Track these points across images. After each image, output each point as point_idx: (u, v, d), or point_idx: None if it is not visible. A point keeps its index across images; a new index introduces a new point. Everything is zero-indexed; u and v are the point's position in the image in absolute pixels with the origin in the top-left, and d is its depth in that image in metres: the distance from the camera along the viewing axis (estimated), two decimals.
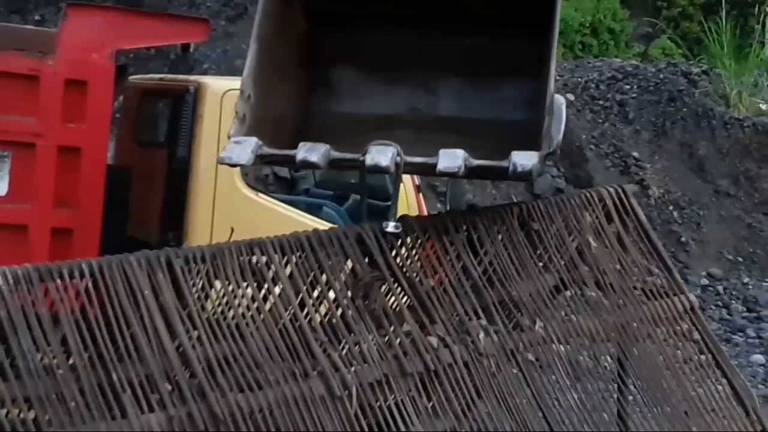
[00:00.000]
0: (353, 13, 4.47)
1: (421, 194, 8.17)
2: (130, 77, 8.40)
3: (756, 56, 17.40)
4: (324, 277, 3.80)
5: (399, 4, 4.45)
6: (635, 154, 14.37)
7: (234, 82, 8.77)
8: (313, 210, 8.01)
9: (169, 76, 9.37)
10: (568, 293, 4.43)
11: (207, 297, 3.62)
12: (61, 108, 6.79)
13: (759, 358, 10.89)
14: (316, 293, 3.79)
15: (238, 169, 7.72)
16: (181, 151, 7.55)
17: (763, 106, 16.44)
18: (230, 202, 7.15)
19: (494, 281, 4.20)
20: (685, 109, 15.38)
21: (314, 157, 3.83)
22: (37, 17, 13.30)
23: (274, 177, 8.48)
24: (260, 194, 7.73)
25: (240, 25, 14.89)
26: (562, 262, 4.43)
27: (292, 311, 3.70)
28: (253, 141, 3.89)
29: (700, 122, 15.16)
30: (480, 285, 4.15)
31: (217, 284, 3.65)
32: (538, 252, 4.39)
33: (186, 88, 7.83)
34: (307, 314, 3.73)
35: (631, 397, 4.45)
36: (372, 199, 8.21)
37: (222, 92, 7.75)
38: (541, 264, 4.36)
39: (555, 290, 4.39)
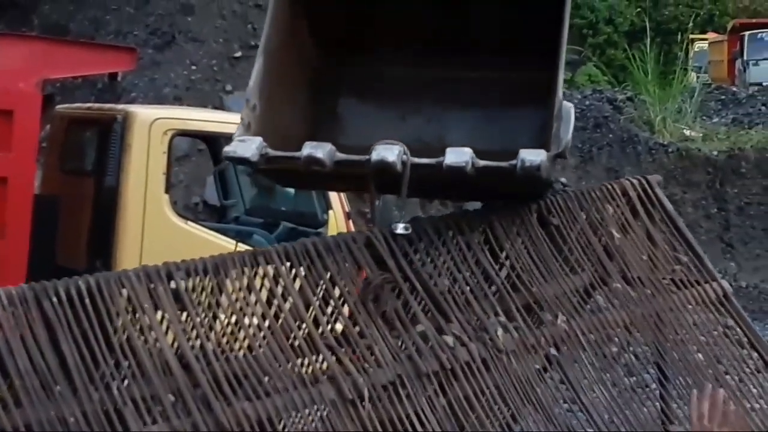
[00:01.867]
0: (363, 43, 4.77)
1: (351, 221, 8.58)
2: (57, 106, 8.74)
3: (679, 83, 19.25)
4: (332, 282, 4.03)
5: (411, 35, 4.72)
6: (563, 179, 15.10)
7: (162, 111, 9.17)
8: (243, 237, 8.36)
9: (97, 105, 9.70)
10: (590, 282, 4.65)
11: (212, 311, 3.88)
12: None
13: None
14: (324, 298, 4.03)
15: (167, 197, 8.11)
16: (109, 180, 7.88)
17: (687, 132, 17.77)
18: (159, 230, 7.49)
19: (514, 280, 4.42)
20: (610, 135, 16.98)
21: (320, 153, 4.03)
22: None
23: (204, 205, 8.83)
24: (189, 222, 8.07)
25: (167, 54, 15.26)
26: (585, 256, 4.66)
27: (301, 319, 3.92)
28: (258, 140, 4.10)
29: (625, 148, 16.69)
30: (499, 283, 4.37)
31: (224, 298, 3.88)
32: (560, 248, 4.60)
33: (114, 117, 8.18)
34: (317, 321, 3.97)
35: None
36: (301, 226, 8.63)
37: (150, 121, 8.13)
38: (563, 258, 4.59)
39: (577, 280, 4.62)
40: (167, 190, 8.21)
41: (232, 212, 9.01)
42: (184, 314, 3.79)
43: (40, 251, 7.43)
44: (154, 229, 7.67)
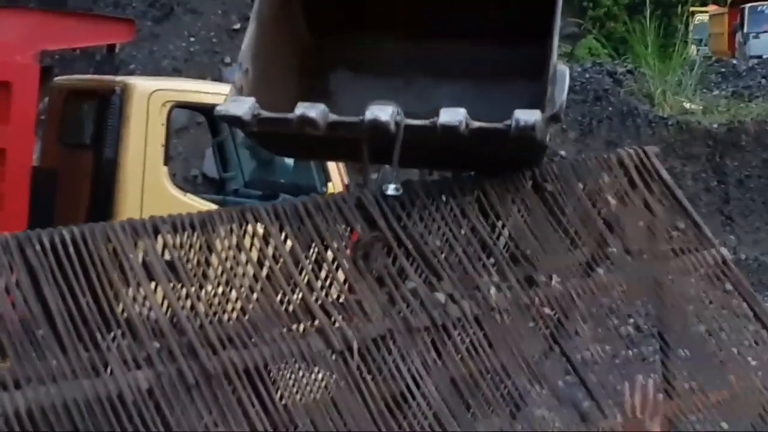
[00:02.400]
0: (354, 19, 4.70)
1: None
2: (55, 78, 8.71)
3: (680, 55, 18.96)
4: (322, 240, 4.02)
5: (401, 11, 4.68)
6: (562, 152, 15.21)
7: (161, 83, 9.11)
8: None
9: (95, 77, 9.66)
10: (588, 251, 4.67)
11: (201, 269, 3.85)
12: None
13: None
14: (314, 257, 4.03)
15: (166, 169, 8.07)
16: (107, 152, 7.84)
17: (687, 105, 17.53)
18: (158, 203, 7.41)
19: (508, 243, 4.45)
20: (610, 108, 16.71)
21: (313, 113, 4.02)
22: None
23: (203, 177, 8.81)
24: (188, 194, 8.03)
25: (166, 26, 15.23)
26: (581, 223, 4.67)
27: (290, 275, 3.92)
28: (251, 100, 4.09)
29: (625, 121, 16.43)
30: (491, 245, 4.37)
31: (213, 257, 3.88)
32: (554, 214, 4.60)
33: (112, 88, 8.13)
34: (306, 277, 3.96)
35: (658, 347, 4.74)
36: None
37: (149, 93, 8.08)
38: (557, 223, 4.59)
39: (572, 246, 4.61)
40: (166, 163, 8.19)
41: (231, 185, 8.96)
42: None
43: (38, 224, 7.40)
44: (153, 201, 7.62)
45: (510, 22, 4.58)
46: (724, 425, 4.54)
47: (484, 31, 4.69)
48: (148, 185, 7.90)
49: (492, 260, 4.35)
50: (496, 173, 4.59)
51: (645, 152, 5.11)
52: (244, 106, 4.12)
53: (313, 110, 4.10)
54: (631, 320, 4.88)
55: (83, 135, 8.68)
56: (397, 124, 4.07)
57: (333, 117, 4.14)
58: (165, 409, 3.38)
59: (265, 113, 4.15)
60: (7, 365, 3.25)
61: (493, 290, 4.21)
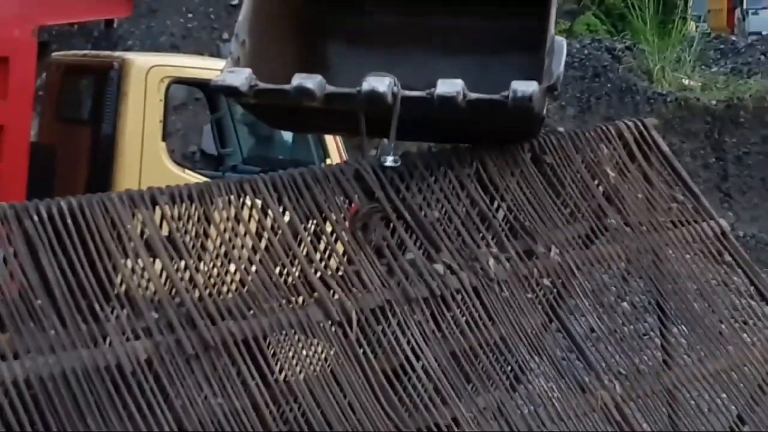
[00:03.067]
0: None
1: None
2: (53, 54, 8.70)
3: (679, 32, 18.94)
4: (321, 212, 4.03)
5: None
6: (561, 129, 15.35)
7: (159, 58, 9.09)
8: None
9: (93, 52, 9.67)
10: (587, 223, 4.66)
11: (200, 240, 3.87)
12: None
13: None
14: (312, 228, 4.04)
15: (164, 145, 8.06)
16: (105, 128, 7.85)
17: (686, 81, 17.57)
18: (156, 179, 7.35)
19: (507, 215, 4.45)
20: (609, 85, 16.78)
21: (310, 84, 4.01)
22: None
23: (201, 154, 8.80)
24: (187, 170, 8.03)
25: (164, 1, 15.20)
26: (581, 195, 4.67)
27: (289, 247, 3.93)
28: (247, 71, 4.08)
29: (623, 98, 16.48)
30: (491, 217, 4.38)
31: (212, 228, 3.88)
32: (554, 186, 4.61)
33: (110, 64, 8.12)
34: (305, 249, 3.97)
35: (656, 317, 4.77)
36: None
37: (147, 68, 8.07)
38: (556, 195, 4.60)
39: (571, 218, 4.61)
40: (164, 139, 8.19)
41: (230, 161, 8.93)
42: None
43: (36, 199, 7.46)
44: (151, 177, 7.57)
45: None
46: (723, 396, 4.56)
47: (482, 3, 4.67)
48: (146, 161, 7.90)
49: (491, 232, 4.36)
50: (495, 145, 4.58)
51: (644, 124, 5.11)
52: (240, 77, 4.10)
53: (309, 81, 4.09)
54: (631, 293, 4.89)
55: (81, 111, 8.67)
56: (394, 95, 4.06)
57: (330, 88, 4.13)
58: (164, 380, 3.38)
59: (261, 84, 4.13)
60: (6, 336, 3.25)
61: (491, 262, 4.22)
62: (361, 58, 4.69)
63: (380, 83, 4.06)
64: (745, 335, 4.74)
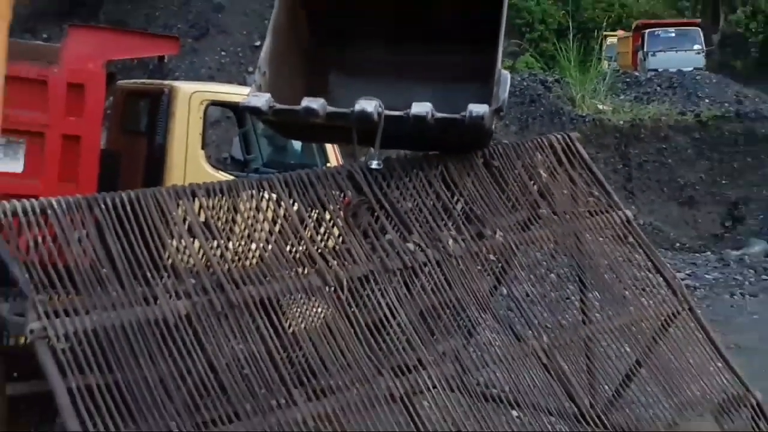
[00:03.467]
0: (347, 32, 4.64)
1: None
2: (118, 82, 8.65)
3: (595, 69, 19.39)
4: (321, 203, 4.02)
5: (384, 24, 4.61)
6: (505, 141, 15.74)
7: (199, 86, 9.02)
8: None
9: (149, 80, 9.62)
10: (524, 212, 4.61)
11: (229, 225, 3.88)
12: (64, 105, 7.07)
13: None
14: (315, 216, 4.02)
15: (203, 152, 8.01)
16: (158, 139, 7.79)
17: (600, 106, 17.69)
18: (196, 178, 7.32)
19: (464, 206, 4.41)
20: (542, 108, 16.79)
21: (315, 105, 4.02)
22: (44, 35, 13.62)
23: (231, 159, 8.76)
24: (220, 171, 7.95)
25: (203, 43, 15.22)
26: (520, 191, 4.63)
27: (297, 230, 3.92)
28: (267, 95, 4.08)
29: (553, 118, 16.50)
30: (450, 207, 4.35)
31: (238, 216, 3.91)
32: (500, 184, 4.56)
33: (162, 90, 8.06)
34: (308, 231, 3.95)
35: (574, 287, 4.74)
36: None
37: (190, 93, 8.01)
38: (501, 191, 4.54)
39: (513, 209, 4.56)
40: (203, 147, 8.10)
41: (253, 165, 8.84)
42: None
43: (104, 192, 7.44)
44: (192, 176, 7.48)
45: (466, 39, 4.52)
46: (626, 345, 4.56)
47: (447, 44, 4.62)
48: (189, 165, 7.83)
49: (451, 219, 4.33)
50: (455, 153, 4.56)
51: (569, 137, 5.06)
52: (262, 100, 4.11)
53: (314, 103, 4.09)
54: (557, 266, 4.89)
55: (140, 125, 8.57)
56: (379, 114, 4.07)
57: (330, 108, 4.12)
58: (199, 331, 3.39)
59: (278, 105, 4.13)
60: (80, 297, 3.25)
61: (451, 242, 4.21)
62: (354, 85, 4.61)
63: (369, 105, 4.06)
64: (643, 299, 4.73)
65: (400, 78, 4.69)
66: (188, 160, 7.88)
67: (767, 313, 10.98)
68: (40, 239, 3.34)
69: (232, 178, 7.73)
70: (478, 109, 4.06)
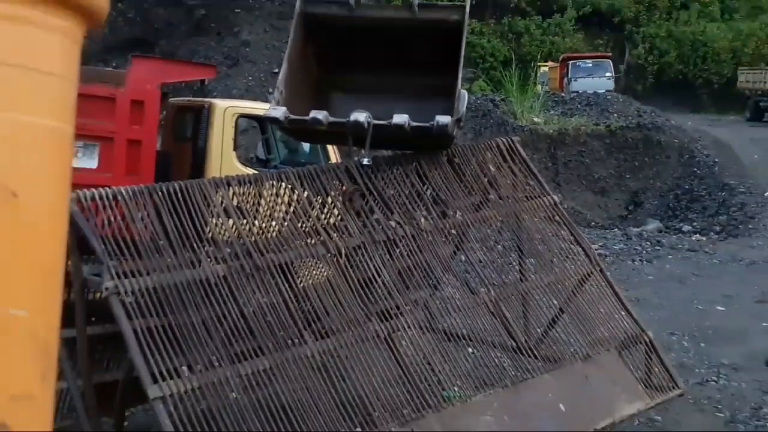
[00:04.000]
0: (345, 62, 4.63)
1: None
2: (170, 99, 8.59)
3: (531, 91, 19.35)
4: (325, 190, 4.02)
5: (372, 56, 4.58)
6: (463, 144, 16.11)
7: (232, 102, 8.99)
8: None
9: (193, 98, 9.55)
10: (477, 197, 4.62)
11: (255, 207, 3.86)
12: (128, 117, 7.03)
13: None
14: (320, 200, 4.00)
15: (234, 153, 7.97)
16: (200, 143, 7.77)
17: (535, 119, 17.62)
18: (231, 173, 7.29)
19: (431, 192, 4.39)
20: (491, 120, 16.67)
21: (320, 116, 4.02)
22: (114, 64, 13.53)
23: (256, 158, 8.76)
24: (248, 168, 7.95)
25: (234, 70, 15.12)
26: (474, 181, 4.61)
27: (307, 210, 3.91)
28: (283, 108, 4.07)
29: (500, 128, 16.30)
30: (422, 193, 4.34)
31: (262, 200, 3.90)
32: (459, 176, 4.54)
33: (203, 105, 8.02)
34: (315, 211, 3.95)
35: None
36: None
37: (224, 108, 7.98)
38: (459, 181, 4.53)
39: (469, 194, 4.55)
40: (235, 149, 8.04)
41: (272, 162, 8.79)
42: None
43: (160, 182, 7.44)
44: (227, 172, 7.42)
45: (435, 67, 4.48)
46: (553, 299, 4.58)
47: (420, 71, 4.60)
48: (224, 162, 7.79)
49: (422, 202, 4.31)
50: (426, 153, 4.54)
51: (512, 140, 5.05)
52: (280, 112, 4.08)
53: (320, 114, 4.07)
54: (502, 239, 4.89)
55: (186, 133, 8.52)
56: (368, 123, 4.05)
57: (331, 119, 4.10)
58: (233, 287, 3.38)
59: (292, 116, 4.10)
60: (143, 262, 3.25)
61: (422, 219, 4.19)
62: (349, 101, 4.57)
63: (360, 116, 4.04)
64: (566, 264, 4.73)
65: (384, 96, 4.64)
66: (223, 159, 7.84)
67: (659, 274, 11.07)
68: (112, 218, 3.34)
69: (256, 172, 7.73)
70: (443, 119, 4.05)
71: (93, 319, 3.78)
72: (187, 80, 10.08)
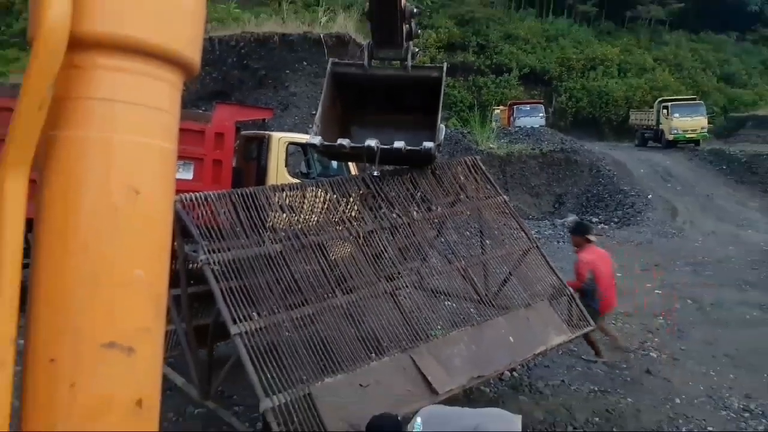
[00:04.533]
0: (359, 104, 4.57)
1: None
2: (241, 132, 8.57)
3: (488, 126, 19.01)
4: (348, 193, 3.98)
5: (379, 102, 4.53)
6: (441, 161, 15.46)
7: (284, 134, 8.85)
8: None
9: (257, 131, 9.51)
10: (452, 197, 4.57)
11: (300, 203, 3.82)
12: (213, 144, 7.00)
13: None
14: (344, 200, 3.97)
15: (285, 169, 7.92)
16: (262, 162, 7.76)
17: (491, 145, 17.37)
18: (283, 182, 7.35)
19: (422, 194, 4.36)
20: (461, 146, 16.38)
21: (344, 142, 3.98)
22: (203, 108, 13.51)
23: (301, 173, 8.78)
24: (295, 179, 7.91)
25: (285, 112, 14.92)
26: (450, 186, 4.56)
27: (336, 206, 3.90)
28: (319, 137, 4.01)
29: (467, 151, 15.95)
30: (414, 194, 4.31)
31: (305, 200, 3.85)
32: (440, 182, 4.52)
33: (264, 136, 8.00)
34: (341, 207, 3.94)
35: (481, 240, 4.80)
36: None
37: (278, 138, 7.94)
38: (440, 186, 4.50)
39: (446, 195, 4.52)
40: (286, 166, 8.02)
41: (311, 175, 8.77)
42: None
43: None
44: (281, 181, 7.48)
45: (422, 108, 4.43)
46: (504, 265, 4.56)
47: (411, 111, 4.54)
48: (278, 175, 7.76)
49: (414, 201, 4.27)
50: (416, 167, 4.50)
51: (475, 159, 5.00)
52: (317, 140, 4.03)
53: (344, 141, 4.03)
54: (470, 227, 4.85)
55: (252, 155, 8.49)
56: (377, 147, 3.99)
57: (352, 144, 4.05)
58: (287, 259, 3.35)
59: (325, 142, 4.05)
60: (224, 243, 3.23)
61: (414, 213, 4.16)
62: (364, 131, 4.53)
63: (371, 142, 3.99)
64: (513, 243, 4.68)
65: (387, 128, 4.59)
66: (278, 173, 7.80)
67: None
68: (204, 213, 3.32)
69: (300, 181, 7.69)
70: (428, 144, 4.01)
71: (191, 282, 3.79)
72: (253, 119, 10.05)
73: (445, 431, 2.21)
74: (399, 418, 2.43)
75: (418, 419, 2.29)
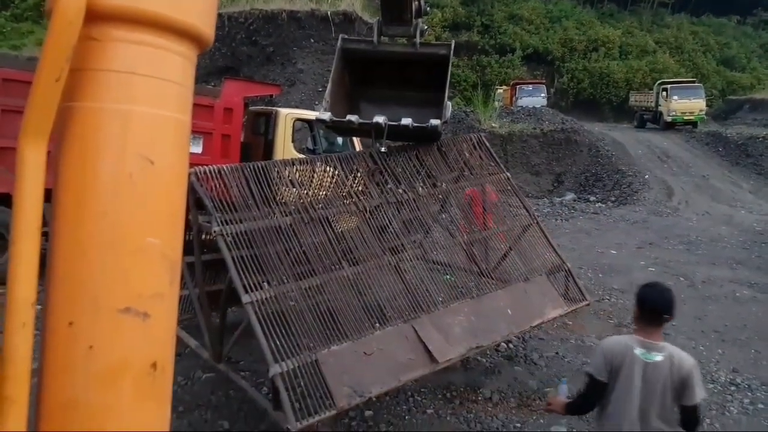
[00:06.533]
0: (369, 80, 4.49)
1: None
2: (250, 107, 8.49)
3: (491, 105, 18.71)
4: (356, 168, 3.95)
5: (388, 77, 4.45)
6: (446, 138, 15.44)
7: (291, 110, 8.78)
8: None
9: (265, 107, 9.42)
10: (456, 173, 4.55)
11: (308, 178, 3.80)
12: (222, 119, 6.95)
13: None
14: (352, 174, 3.94)
15: (292, 144, 7.87)
16: (269, 137, 7.73)
17: (494, 125, 17.11)
18: (290, 157, 7.30)
19: (426, 170, 4.31)
20: (464, 125, 16.16)
21: (353, 118, 3.91)
22: (212, 83, 13.38)
23: (307, 149, 8.72)
24: (300, 154, 7.88)
25: (293, 89, 14.78)
26: (455, 162, 4.53)
27: (344, 181, 3.86)
28: (329, 113, 3.96)
29: (470, 130, 15.80)
30: (420, 170, 4.27)
31: (314, 175, 3.82)
32: (445, 159, 4.47)
33: (271, 112, 7.94)
34: (349, 182, 3.90)
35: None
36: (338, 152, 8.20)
37: (285, 114, 7.89)
38: (445, 162, 4.45)
39: (450, 171, 4.47)
40: (293, 141, 7.98)
41: (317, 151, 8.74)
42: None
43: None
44: (288, 156, 7.46)
45: (430, 86, 4.37)
46: (502, 242, 4.54)
47: (419, 88, 4.47)
48: (285, 150, 7.74)
49: (420, 176, 4.24)
50: (422, 143, 4.45)
51: (479, 136, 4.95)
52: (326, 115, 3.98)
53: (353, 117, 3.97)
54: (471, 201, 4.82)
55: (260, 130, 8.44)
56: (385, 123, 3.94)
57: (360, 120, 3.99)
58: (296, 231, 3.36)
59: (335, 118, 3.99)
60: (237, 214, 3.23)
61: (420, 188, 4.13)
62: (372, 108, 4.47)
63: (380, 118, 3.94)
64: (514, 219, 4.66)
65: (395, 105, 4.53)
66: (285, 148, 7.78)
67: (572, 228, 11.01)
68: (217, 185, 3.31)
69: (306, 157, 7.64)
70: (434, 121, 3.95)
71: (205, 250, 3.80)
72: (261, 95, 9.95)
73: None
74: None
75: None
